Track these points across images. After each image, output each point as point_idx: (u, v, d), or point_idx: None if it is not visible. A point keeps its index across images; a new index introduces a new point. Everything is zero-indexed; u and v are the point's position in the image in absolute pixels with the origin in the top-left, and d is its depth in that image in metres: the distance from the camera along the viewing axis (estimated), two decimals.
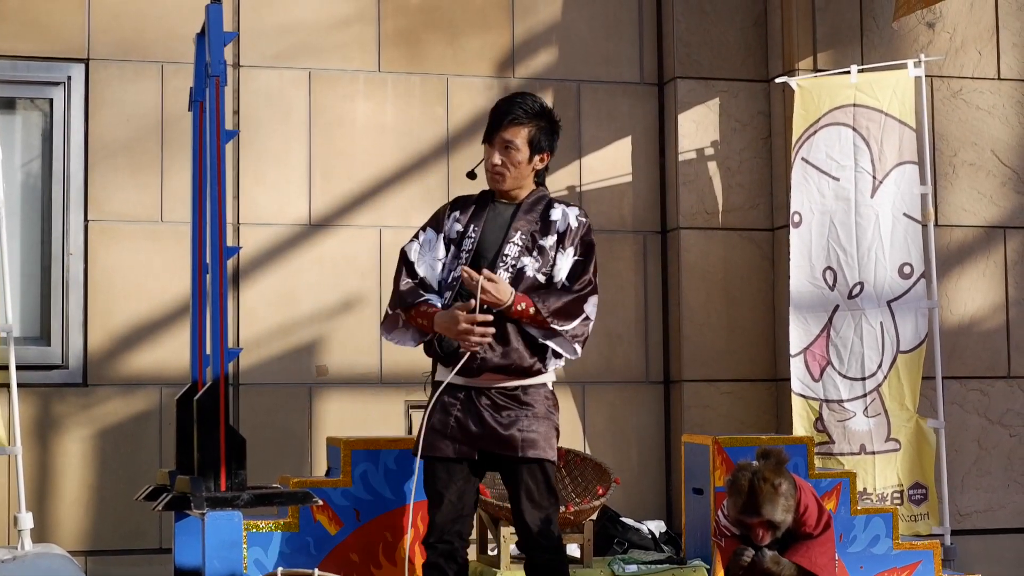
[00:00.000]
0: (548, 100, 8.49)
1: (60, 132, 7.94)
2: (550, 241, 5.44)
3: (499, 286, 5.24)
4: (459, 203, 5.58)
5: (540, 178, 5.58)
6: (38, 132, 8.03)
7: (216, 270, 4.85)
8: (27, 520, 7.25)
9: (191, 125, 5.57)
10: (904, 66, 8.05)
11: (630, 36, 8.74)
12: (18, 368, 7.37)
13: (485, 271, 5.26)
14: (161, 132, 8.01)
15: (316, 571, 5.41)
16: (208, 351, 5.00)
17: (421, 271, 5.42)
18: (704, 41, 8.65)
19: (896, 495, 7.79)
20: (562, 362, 5.45)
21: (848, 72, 8.01)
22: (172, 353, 7.81)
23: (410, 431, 8.05)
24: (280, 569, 5.46)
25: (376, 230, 8.17)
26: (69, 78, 7.96)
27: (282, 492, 4.94)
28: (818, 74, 8.20)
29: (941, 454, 7.91)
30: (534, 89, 8.43)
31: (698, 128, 8.59)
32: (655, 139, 8.74)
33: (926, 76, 8.19)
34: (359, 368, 8.10)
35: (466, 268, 5.27)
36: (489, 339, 5.25)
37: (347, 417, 8.01)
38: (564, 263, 5.44)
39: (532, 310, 5.29)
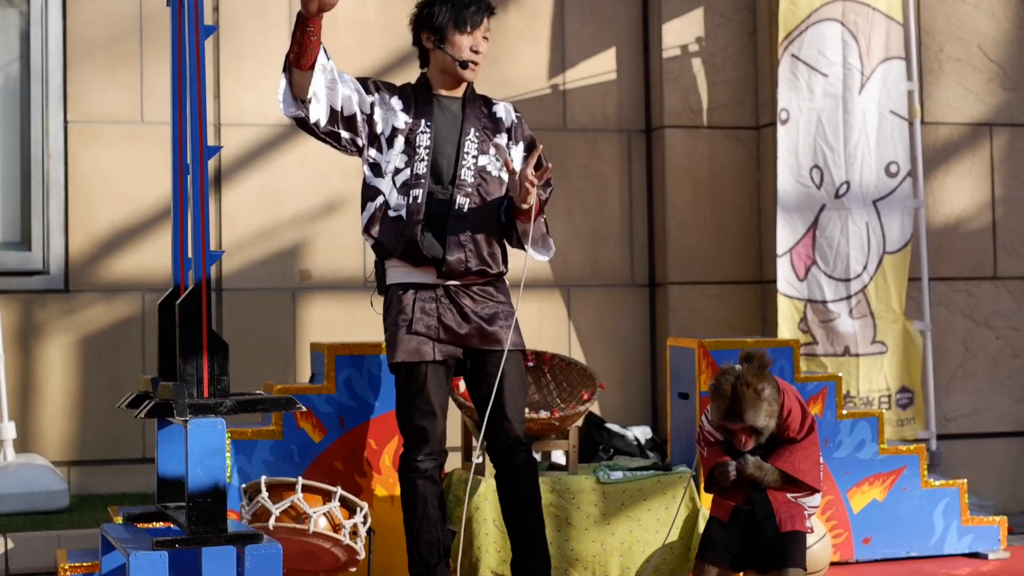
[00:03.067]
0: None
1: (38, 31, 7.83)
2: (503, 139, 5.50)
3: (535, 189, 5.31)
4: (396, 90, 5.52)
5: None
6: (15, 31, 7.91)
7: (197, 170, 4.77)
8: (9, 430, 7.24)
9: (170, 22, 5.48)
10: None
11: None
12: None
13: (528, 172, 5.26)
14: (140, 30, 7.90)
15: (300, 479, 5.41)
16: (190, 254, 4.94)
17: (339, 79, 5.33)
18: None
19: (884, 399, 7.80)
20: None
21: None
22: (154, 257, 7.75)
23: None
24: (264, 477, 5.46)
25: None
26: None
27: (265, 398, 4.90)
28: None
29: (927, 357, 7.91)
30: None
31: (682, 24, 8.49)
32: (639, 36, 8.64)
33: None
34: (343, 272, 8.06)
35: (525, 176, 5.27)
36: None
37: (331, 322, 7.98)
38: (517, 157, 5.52)
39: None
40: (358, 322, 7.95)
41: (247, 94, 8.01)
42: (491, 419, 5.41)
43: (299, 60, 5.15)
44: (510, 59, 8.24)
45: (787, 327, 7.83)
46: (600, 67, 8.56)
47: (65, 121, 7.81)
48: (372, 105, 5.41)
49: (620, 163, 8.55)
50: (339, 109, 5.32)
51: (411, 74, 8.13)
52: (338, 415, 6.10)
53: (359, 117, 5.37)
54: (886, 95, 7.92)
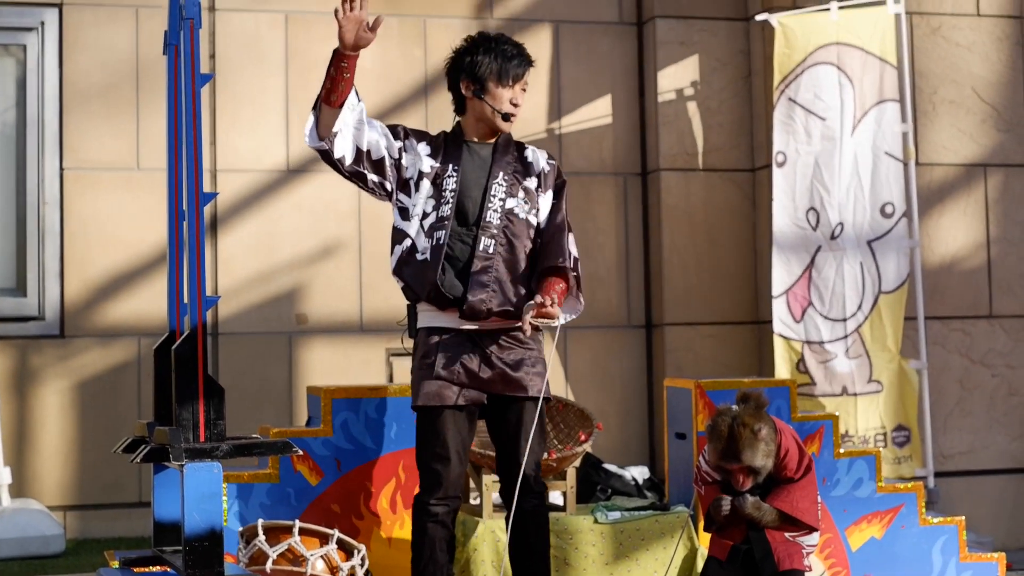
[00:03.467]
0: (527, 41, 8.42)
1: (34, 79, 7.87)
2: (533, 183, 5.44)
3: (554, 306, 5.20)
4: (423, 136, 5.50)
5: None
6: (12, 79, 7.94)
7: (193, 217, 4.78)
8: (5, 475, 7.23)
9: (166, 70, 5.50)
10: (883, 2, 8.00)
11: None
12: None
13: (539, 305, 5.18)
14: (136, 77, 7.94)
15: (297, 522, 5.40)
16: (186, 300, 4.94)
17: (368, 126, 5.31)
18: None
19: (880, 438, 7.79)
20: None
21: (827, 8, 7.96)
22: (150, 303, 7.76)
23: (391, 379, 8.02)
24: (261, 521, 5.45)
25: None
26: (43, 23, 7.88)
27: (262, 442, 4.88)
28: (798, 11, 8.13)
29: (924, 395, 7.91)
30: (513, 29, 8.37)
31: (677, 68, 8.53)
32: (634, 80, 8.68)
33: (906, 13, 8.15)
34: (339, 316, 8.06)
35: (533, 318, 5.19)
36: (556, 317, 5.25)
37: (328, 366, 7.98)
38: (544, 205, 5.46)
39: (563, 286, 5.33)
40: (355, 365, 7.95)
41: (243, 140, 8.04)
42: (506, 464, 5.39)
43: (330, 96, 5.17)
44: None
45: (785, 368, 7.83)
46: (596, 111, 8.60)
47: (61, 168, 7.83)
48: (400, 150, 5.39)
49: (616, 206, 8.57)
50: (365, 150, 5.31)
51: (405, 120, 8.23)
52: (335, 458, 6.08)
53: (387, 161, 5.37)
54: (880, 137, 7.94)
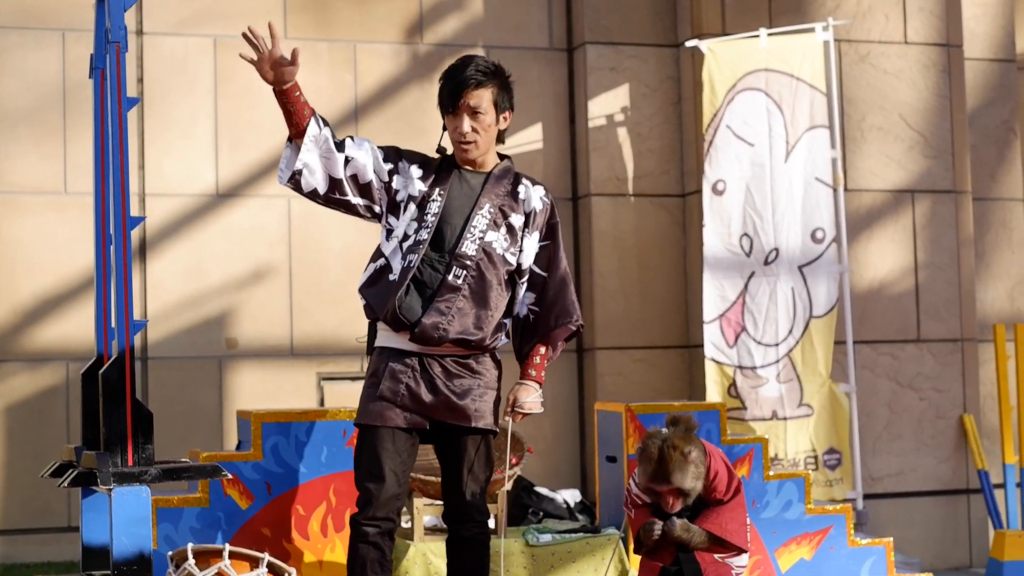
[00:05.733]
0: None
1: None
2: (519, 221, 5.37)
3: (533, 404, 5.43)
4: (418, 158, 5.42)
5: (501, 137, 5.48)
6: None
7: (120, 241, 4.76)
8: None
9: (93, 93, 5.48)
10: (812, 30, 8.08)
11: (539, 1, 8.70)
12: None
13: (516, 411, 5.42)
14: (64, 101, 7.89)
15: (227, 546, 5.36)
16: (113, 324, 4.92)
17: (351, 147, 5.25)
18: (613, 6, 8.62)
19: (810, 460, 7.84)
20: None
21: (757, 35, 8.03)
22: (78, 327, 7.70)
23: (322, 403, 8.00)
24: (190, 545, 5.41)
25: (285, 200, 8.09)
26: None
27: (191, 466, 4.87)
28: (727, 38, 8.19)
29: (853, 418, 7.96)
30: (443, 55, 8.38)
31: (608, 94, 8.57)
32: (565, 105, 8.71)
33: (834, 40, 8.23)
34: (270, 340, 8.03)
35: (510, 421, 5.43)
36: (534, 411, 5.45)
37: (258, 390, 7.94)
38: (530, 247, 5.41)
39: (549, 350, 5.56)
40: (285, 390, 7.92)
41: (172, 164, 8.01)
42: (449, 492, 5.37)
43: (289, 130, 5.16)
44: (437, 130, 8.25)
45: (716, 392, 7.86)
46: (526, 137, 8.61)
47: None
48: (390, 173, 5.33)
49: None
50: (347, 176, 5.24)
51: None
52: (265, 482, 6.06)
53: (375, 183, 5.29)
54: (811, 163, 8.00)
